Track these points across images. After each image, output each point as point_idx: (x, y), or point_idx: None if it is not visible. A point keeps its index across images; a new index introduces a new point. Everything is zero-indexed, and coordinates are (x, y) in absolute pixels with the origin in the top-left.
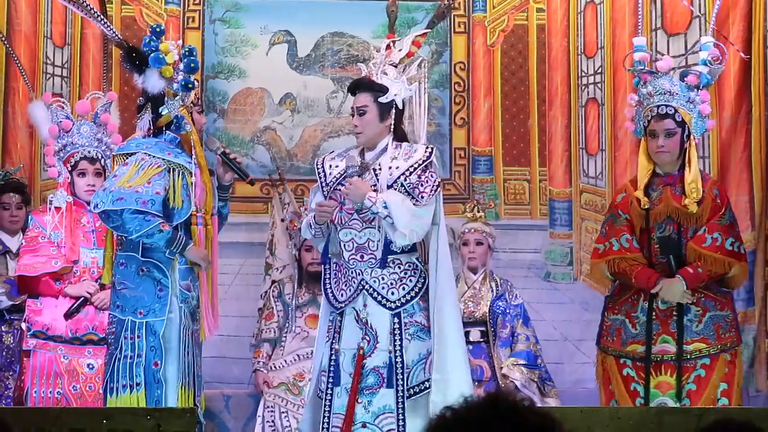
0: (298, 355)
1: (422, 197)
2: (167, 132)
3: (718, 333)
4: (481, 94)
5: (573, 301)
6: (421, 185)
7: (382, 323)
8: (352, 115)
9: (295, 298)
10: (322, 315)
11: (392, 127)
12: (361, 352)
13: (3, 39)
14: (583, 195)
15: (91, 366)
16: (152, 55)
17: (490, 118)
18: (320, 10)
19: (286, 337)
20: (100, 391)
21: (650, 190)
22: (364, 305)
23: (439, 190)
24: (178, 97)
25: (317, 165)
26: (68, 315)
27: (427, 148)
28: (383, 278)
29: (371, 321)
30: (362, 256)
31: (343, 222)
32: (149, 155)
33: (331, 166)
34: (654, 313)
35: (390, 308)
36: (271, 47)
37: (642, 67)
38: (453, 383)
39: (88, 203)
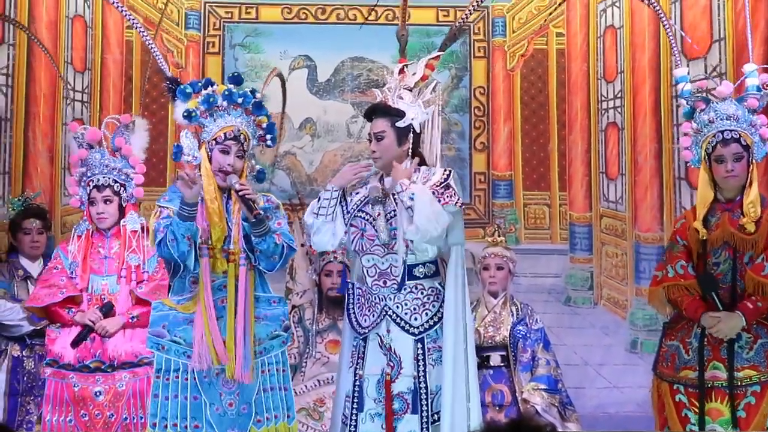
0: (318, 381)
1: (447, 202)
2: None
3: None
4: (500, 118)
5: (593, 325)
6: (445, 197)
7: (405, 349)
8: (370, 141)
9: (315, 323)
10: (345, 340)
11: (410, 151)
12: (388, 377)
13: (24, 28)
14: (603, 219)
15: (98, 393)
16: (181, 87)
17: (510, 142)
18: (340, 35)
19: (306, 362)
20: (109, 418)
21: (709, 216)
22: (388, 331)
23: (462, 208)
24: (203, 131)
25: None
26: (74, 344)
27: (445, 170)
28: (406, 303)
29: (395, 346)
30: (385, 282)
31: (365, 248)
32: (159, 205)
33: (351, 193)
34: (706, 339)
35: (413, 334)
36: (291, 72)
37: (698, 95)
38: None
39: (107, 230)
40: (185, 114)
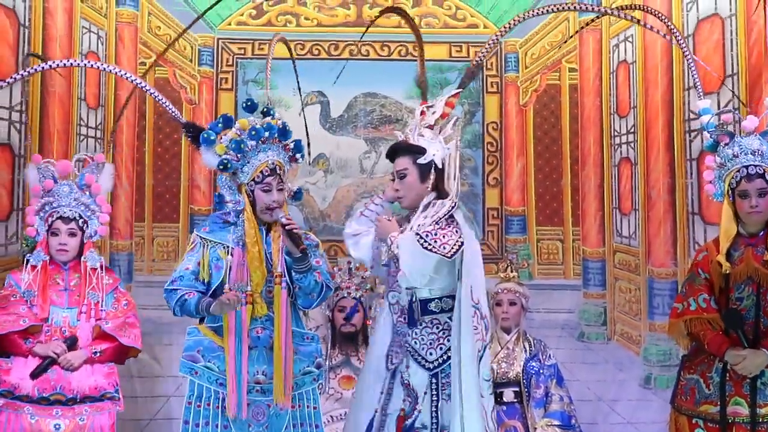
0: (331, 417)
1: (430, 243)
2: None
3: None
4: (513, 153)
5: (607, 361)
6: (434, 234)
7: (421, 384)
8: (393, 180)
9: (328, 359)
10: (371, 375)
11: (431, 187)
12: (402, 413)
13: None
14: (616, 255)
15: (57, 426)
16: (203, 133)
17: (523, 177)
18: (353, 71)
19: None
20: None
21: (732, 250)
22: (407, 366)
23: (459, 248)
24: (239, 174)
25: None
26: (34, 375)
27: (451, 202)
28: (423, 339)
29: (412, 382)
30: (405, 318)
31: (390, 284)
32: (195, 234)
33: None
34: (728, 374)
35: (428, 369)
36: (305, 108)
37: (720, 129)
38: None
39: (65, 263)
40: (221, 166)
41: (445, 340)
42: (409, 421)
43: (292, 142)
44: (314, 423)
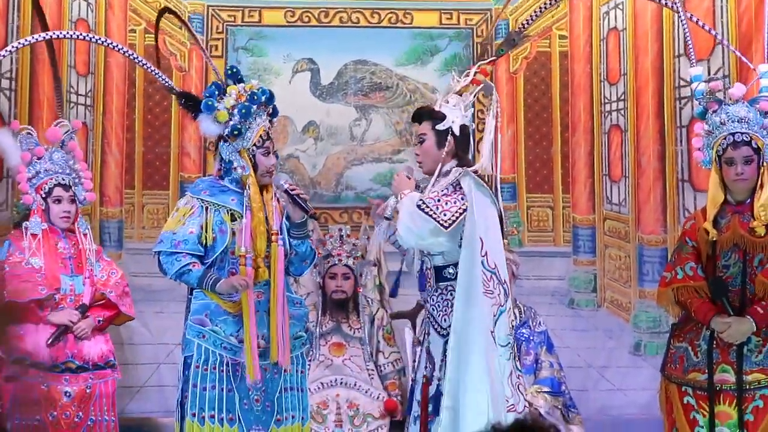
0: (321, 383)
1: (430, 208)
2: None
3: None
4: (504, 121)
5: (597, 328)
6: (437, 200)
7: (437, 350)
8: (415, 144)
9: (318, 326)
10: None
11: (451, 154)
12: (425, 380)
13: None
14: (606, 222)
15: (68, 393)
16: (204, 101)
17: (514, 144)
18: (343, 38)
19: (309, 365)
20: (75, 419)
21: (719, 217)
22: (427, 333)
23: (458, 218)
24: (236, 141)
25: None
26: (50, 343)
27: (459, 171)
28: (438, 305)
29: (432, 349)
30: (424, 284)
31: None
32: (191, 196)
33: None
34: (715, 342)
35: (443, 335)
36: (294, 75)
37: (709, 96)
38: (466, 412)
39: (63, 230)
40: (235, 132)
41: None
42: (432, 388)
43: (271, 106)
44: (301, 387)
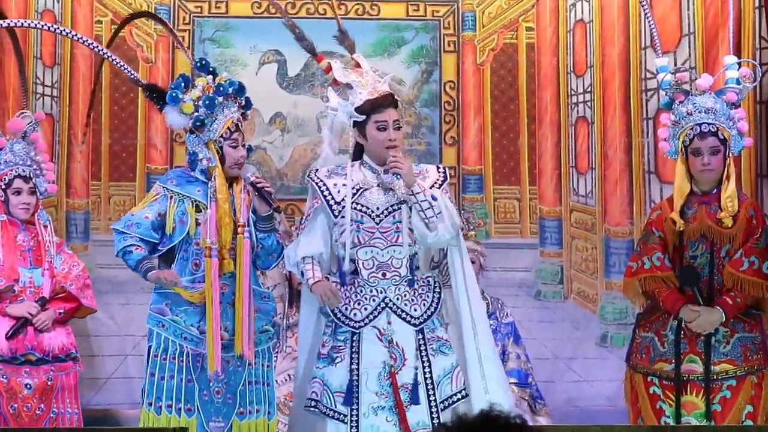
0: (288, 375)
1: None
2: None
3: (746, 355)
4: (471, 112)
5: (563, 319)
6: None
7: (407, 340)
8: (382, 130)
9: (285, 318)
10: (314, 334)
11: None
12: (393, 369)
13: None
14: (573, 213)
15: (28, 386)
16: (169, 93)
17: (480, 136)
18: (310, 29)
19: (276, 357)
20: (37, 412)
21: (686, 208)
22: (389, 323)
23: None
24: (203, 133)
25: (317, 182)
26: (10, 335)
27: (438, 168)
28: (405, 295)
29: (396, 338)
30: (384, 274)
31: (363, 241)
32: (159, 184)
33: (335, 184)
34: (682, 332)
35: (414, 325)
36: (261, 66)
37: (676, 87)
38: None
39: (23, 222)
40: (198, 123)
41: (426, 296)
42: (406, 376)
43: (243, 98)
44: (267, 381)
